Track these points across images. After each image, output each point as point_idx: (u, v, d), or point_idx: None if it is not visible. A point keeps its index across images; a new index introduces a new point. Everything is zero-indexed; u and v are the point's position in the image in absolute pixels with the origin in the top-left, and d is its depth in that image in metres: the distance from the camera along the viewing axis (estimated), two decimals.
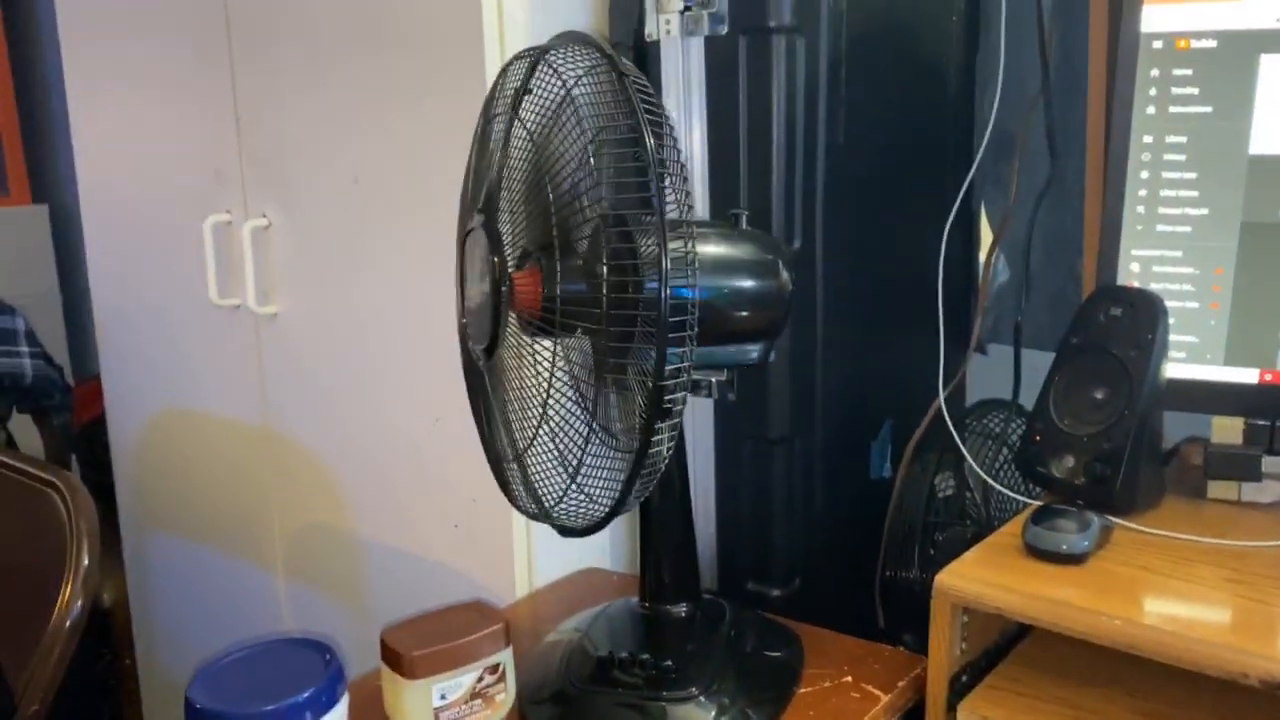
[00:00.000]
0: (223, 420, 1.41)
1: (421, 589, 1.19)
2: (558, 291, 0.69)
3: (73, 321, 2.56)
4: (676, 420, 0.67)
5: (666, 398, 0.65)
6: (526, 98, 0.74)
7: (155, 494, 1.57)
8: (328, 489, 1.29)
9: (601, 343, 0.68)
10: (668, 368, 0.64)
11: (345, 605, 1.30)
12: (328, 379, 1.26)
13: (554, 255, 0.70)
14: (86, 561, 1.02)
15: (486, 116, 0.78)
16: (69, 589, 1.02)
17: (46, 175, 2.64)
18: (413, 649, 0.75)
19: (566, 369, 0.74)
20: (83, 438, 2.01)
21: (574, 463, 0.71)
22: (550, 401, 0.72)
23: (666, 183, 0.64)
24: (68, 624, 1.00)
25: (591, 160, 0.67)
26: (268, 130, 1.26)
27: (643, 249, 0.66)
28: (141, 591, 1.65)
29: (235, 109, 1.29)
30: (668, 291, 0.64)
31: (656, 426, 0.66)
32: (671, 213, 0.64)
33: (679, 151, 0.66)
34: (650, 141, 0.64)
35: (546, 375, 0.72)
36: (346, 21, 1.14)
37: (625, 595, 0.94)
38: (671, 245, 0.64)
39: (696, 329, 0.65)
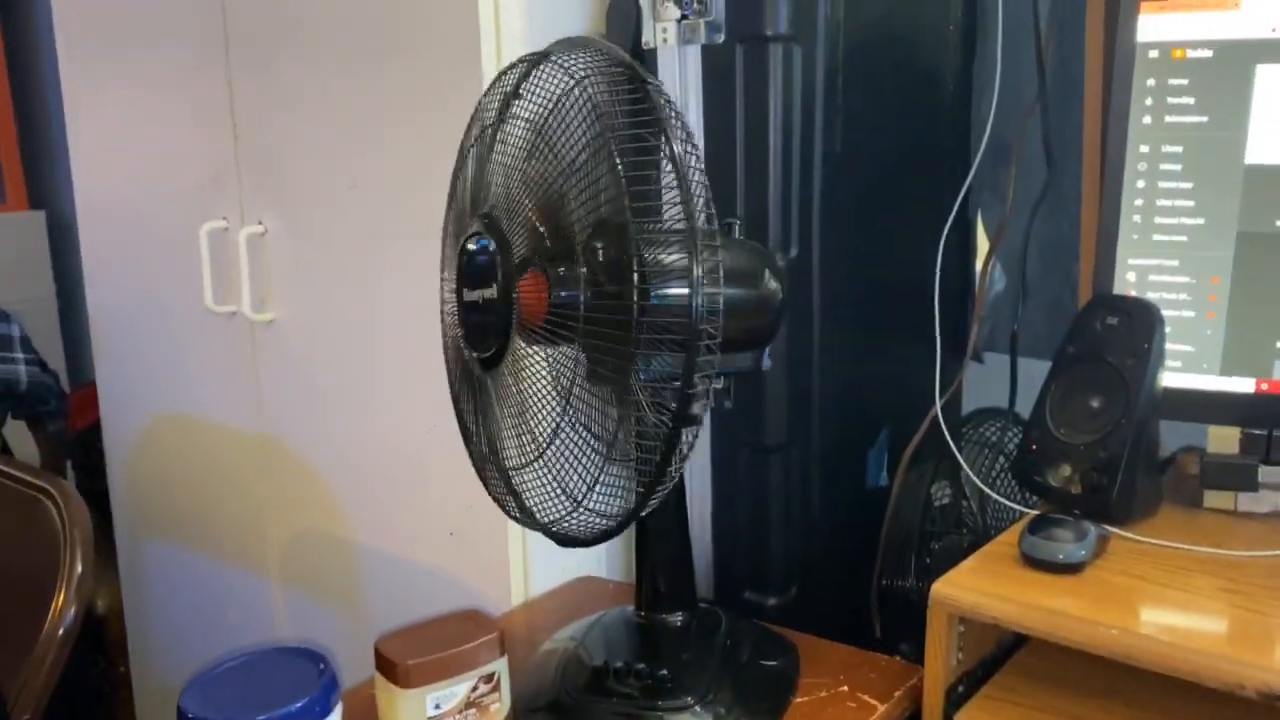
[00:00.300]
0: (219, 427, 1.40)
1: (417, 596, 1.19)
2: (581, 299, 0.68)
3: (69, 328, 2.56)
4: (698, 428, 0.67)
5: (694, 405, 0.65)
6: (531, 102, 0.74)
7: (150, 501, 1.57)
8: (323, 496, 1.28)
9: (627, 349, 0.67)
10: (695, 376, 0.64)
11: (340, 612, 1.29)
12: (324, 386, 1.26)
13: (575, 261, 0.69)
14: (80, 569, 1.01)
15: (482, 122, 0.78)
16: (62, 596, 1.01)
17: (44, 181, 2.64)
18: (407, 658, 0.74)
19: (555, 385, 0.74)
20: (78, 444, 2.00)
21: (581, 493, 0.70)
22: (563, 425, 0.71)
23: (696, 192, 0.64)
24: (60, 632, 1.00)
25: (619, 166, 0.67)
26: (265, 137, 1.26)
27: (661, 257, 0.66)
28: (136, 598, 1.65)
29: (232, 115, 1.29)
30: (700, 300, 0.64)
31: (683, 433, 0.65)
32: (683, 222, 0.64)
33: (699, 158, 0.66)
34: (678, 149, 0.64)
35: (556, 391, 0.71)
36: (344, 29, 1.14)
37: (621, 604, 0.94)
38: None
39: (720, 337, 0.65)
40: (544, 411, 0.72)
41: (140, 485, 1.58)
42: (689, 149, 0.65)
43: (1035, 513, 0.87)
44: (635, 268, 0.65)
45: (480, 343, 0.74)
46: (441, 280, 0.80)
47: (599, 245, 0.68)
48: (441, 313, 0.81)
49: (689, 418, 0.65)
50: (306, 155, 1.22)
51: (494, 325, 0.71)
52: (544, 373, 0.73)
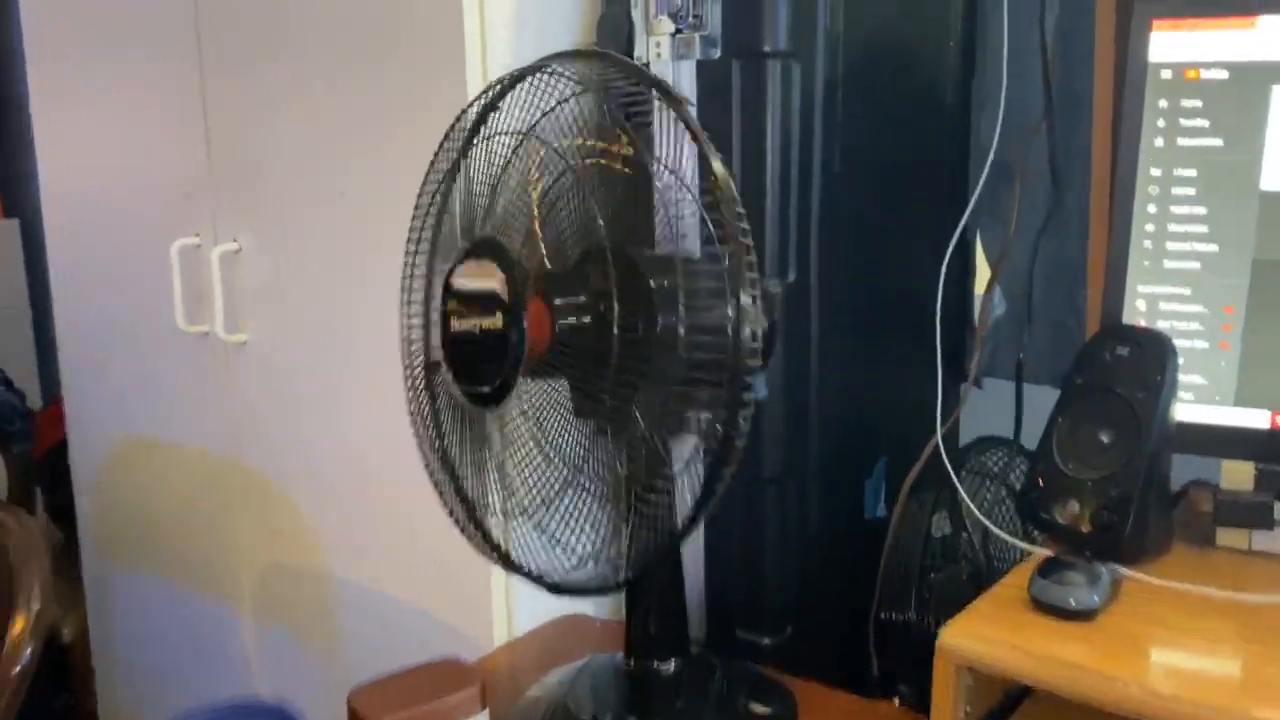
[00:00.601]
0: (190, 451, 1.36)
1: (396, 632, 1.15)
2: (615, 329, 0.64)
3: (43, 341, 2.50)
4: (735, 466, 0.63)
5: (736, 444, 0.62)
6: (522, 117, 0.70)
7: (118, 526, 1.52)
8: (299, 524, 1.24)
9: (669, 387, 0.63)
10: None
11: (315, 647, 1.25)
12: (299, 410, 1.22)
13: (590, 288, 0.65)
14: (37, 605, 0.98)
15: (466, 135, 0.74)
16: (18, 632, 0.97)
17: (18, 190, 2.58)
18: (382, 713, 0.70)
19: (562, 424, 0.69)
20: (49, 461, 1.95)
21: (592, 546, 0.66)
22: (580, 469, 0.67)
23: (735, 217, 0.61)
24: (16, 670, 0.96)
25: (657, 187, 0.63)
26: (239, 151, 1.22)
27: (693, 286, 0.62)
28: (103, 626, 1.60)
29: (206, 131, 1.25)
30: (746, 331, 0.60)
31: (722, 473, 0.62)
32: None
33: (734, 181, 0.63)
34: (719, 170, 0.60)
35: (570, 431, 0.67)
36: (322, 41, 1.10)
37: (610, 645, 0.89)
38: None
39: (760, 368, 0.62)
40: (559, 454, 0.67)
41: (108, 510, 1.53)
42: (730, 172, 0.61)
43: (1045, 553, 0.83)
44: (682, 300, 0.61)
45: (478, 378, 0.69)
46: (407, 306, 0.76)
47: (614, 270, 0.64)
48: (407, 344, 0.76)
49: (730, 457, 0.62)
50: (283, 171, 1.18)
51: (498, 357, 0.66)
52: (555, 410, 0.68)
